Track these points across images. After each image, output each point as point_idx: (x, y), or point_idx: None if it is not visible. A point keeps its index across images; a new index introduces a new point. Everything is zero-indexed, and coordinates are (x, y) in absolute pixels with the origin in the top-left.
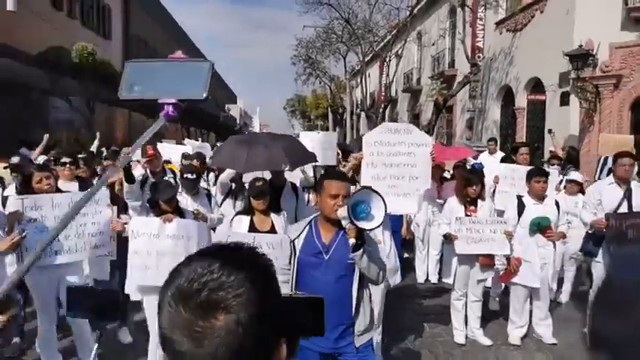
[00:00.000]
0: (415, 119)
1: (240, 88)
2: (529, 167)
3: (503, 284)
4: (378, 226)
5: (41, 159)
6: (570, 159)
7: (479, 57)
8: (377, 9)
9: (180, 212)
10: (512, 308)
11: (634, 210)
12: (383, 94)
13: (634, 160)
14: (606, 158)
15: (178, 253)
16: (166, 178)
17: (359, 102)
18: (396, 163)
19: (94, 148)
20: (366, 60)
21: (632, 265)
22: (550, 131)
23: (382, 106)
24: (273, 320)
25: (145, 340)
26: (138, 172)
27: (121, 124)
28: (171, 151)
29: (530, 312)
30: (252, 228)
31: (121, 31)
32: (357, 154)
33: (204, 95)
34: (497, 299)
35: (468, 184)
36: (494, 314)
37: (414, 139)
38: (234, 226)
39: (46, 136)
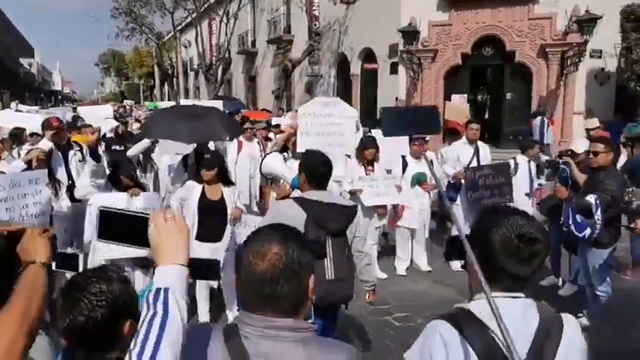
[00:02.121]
0: (251, 82)
1: (37, 41)
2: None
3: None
4: None
5: None
6: None
7: (315, 25)
8: None
9: (140, 186)
10: (398, 247)
11: (481, 164)
12: (214, 54)
13: (479, 126)
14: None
15: None
16: (73, 150)
17: (189, 61)
18: (327, 132)
19: None
20: (199, 18)
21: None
22: (397, 99)
23: (221, 68)
24: None
25: None
26: (45, 144)
27: None
28: (21, 121)
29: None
30: (204, 196)
31: None
32: (292, 123)
33: (440, 128)
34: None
35: (365, 147)
36: (380, 253)
37: (341, 111)
38: (186, 189)
39: None
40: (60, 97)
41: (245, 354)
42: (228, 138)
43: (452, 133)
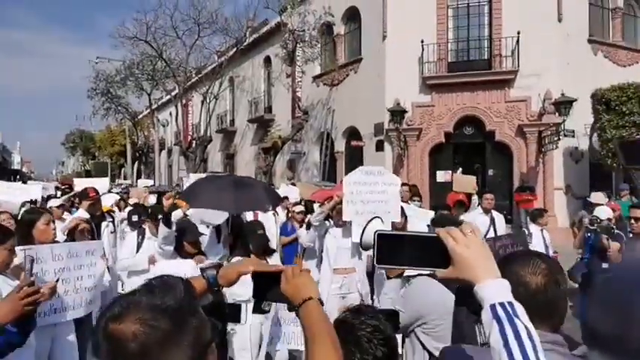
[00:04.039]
0: (229, 159)
1: None
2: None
3: None
4: None
5: None
6: (414, 194)
7: (298, 106)
8: (194, 50)
9: (202, 253)
10: None
11: (498, 233)
12: (190, 133)
13: (493, 195)
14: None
15: None
16: (105, 222)
17: (169, 140)
18: (372, 200)
19: None
20: (180, 99)
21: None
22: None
23: (202, 146)
24: None
25: None
26: (83, 214)
27: None
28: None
29: None
30: None
31: None
32: (339, 193)
33: None
34: None
35: None
36: None
37: (385, 179)
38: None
39: None
40: (18, 176)
41: None
42: (270, 208)
43: (460, 205)
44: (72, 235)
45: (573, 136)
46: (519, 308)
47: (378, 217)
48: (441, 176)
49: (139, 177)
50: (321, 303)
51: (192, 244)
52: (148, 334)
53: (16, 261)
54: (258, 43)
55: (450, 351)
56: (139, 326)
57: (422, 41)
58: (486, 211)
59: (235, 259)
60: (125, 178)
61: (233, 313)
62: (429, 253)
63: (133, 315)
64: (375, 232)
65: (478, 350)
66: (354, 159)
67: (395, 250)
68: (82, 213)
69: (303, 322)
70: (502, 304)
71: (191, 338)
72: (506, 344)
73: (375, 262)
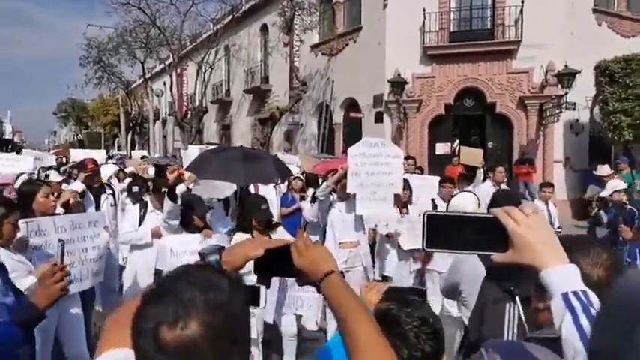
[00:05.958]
0: (225, 130)
1: None
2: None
3: None
4: None
5: None
6: (416, 167)
7: (296, 76)
8: (188, 18)
9: (208, 227)
10: (428, 291)
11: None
12: (185, 103)
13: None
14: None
15: None
16: (105, 194)
17: (163, 110)
18: (376, 172)
19: None
20: (174, 68)
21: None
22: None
23: (198, 116)
24: None
25: None
26: (78, 186)
27: None
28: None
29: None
30: None
31: None
32: (344, 166)
33: None
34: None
35: None
36: None
37: (389, 152)
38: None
39: None
40: (10, 146)
41: None
42: (279, 181)
43: (464, 178)
44: (67, 208)
45: (574, 109)
46: (594, 297)
47: (470, 191)
48: (440, 148)
49: (132, 148)
50: (343, 275)
51: (200, 218)
52: (212, 339)
53: (19, 234)
54: (254, 10)
55: (499, 346)
56: (202, 329)
57: (423, 10)
58: (497, 184)
59: (239, 235)
60: (119, 149)
61: (253, 296)
62: (485, 235)
63: (194, 317)
64: (424, 213)
65: (534, 347)
66: (353, 131)
67: (446, 233)
68: (77, 185)
69: (330, 297)
70: (575, 293)
71: (244, 334)
72: (582, 336)
73: (423, 246)
